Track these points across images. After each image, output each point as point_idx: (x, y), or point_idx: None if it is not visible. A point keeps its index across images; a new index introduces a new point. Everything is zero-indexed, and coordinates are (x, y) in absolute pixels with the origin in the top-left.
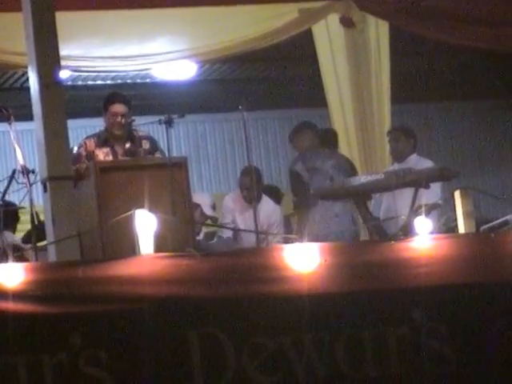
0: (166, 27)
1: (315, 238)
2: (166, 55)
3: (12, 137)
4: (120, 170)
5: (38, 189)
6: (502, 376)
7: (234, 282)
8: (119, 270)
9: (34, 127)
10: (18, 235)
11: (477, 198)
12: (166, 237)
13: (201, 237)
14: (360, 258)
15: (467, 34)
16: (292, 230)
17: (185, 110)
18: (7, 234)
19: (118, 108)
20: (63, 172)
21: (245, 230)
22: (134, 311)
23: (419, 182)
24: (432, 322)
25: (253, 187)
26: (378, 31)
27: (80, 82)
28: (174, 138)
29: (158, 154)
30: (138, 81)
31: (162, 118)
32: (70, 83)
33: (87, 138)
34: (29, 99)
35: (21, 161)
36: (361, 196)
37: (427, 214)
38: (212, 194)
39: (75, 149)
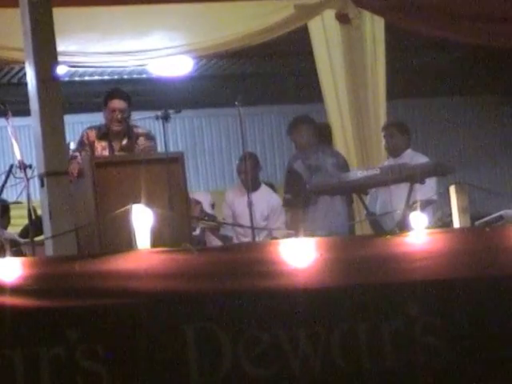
0: (162, 23)
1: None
2: (162, 51)
3: (9, 132)
4: (117, 165)
5: (35, 184)
6: (497, 370)
7: (231, 277)
8: (116, 264)
9: (32, 122)
10: (13, 230)
11: (472, 193)
12: (162, 231)
13: (197, 232)
14: (356, 253)
15: (462, 29)
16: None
17: (181, 105)
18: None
19: (117, 104)
20: (60, 167)
21: (243, 226)
22: (131, 305)
23: (415, 177)
24: (427, 316)
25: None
26: (373, 27)
27: (77, 78)
28: (171, 133)
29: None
30: (135, 76)
31: (159, 113)
32: (67, 79)
33: (89, 128)
34: (26, 95)
35: (18, 156)
36: (357, 191)
37: (423, 209)
38: (208, 190)
39: (72, 145)
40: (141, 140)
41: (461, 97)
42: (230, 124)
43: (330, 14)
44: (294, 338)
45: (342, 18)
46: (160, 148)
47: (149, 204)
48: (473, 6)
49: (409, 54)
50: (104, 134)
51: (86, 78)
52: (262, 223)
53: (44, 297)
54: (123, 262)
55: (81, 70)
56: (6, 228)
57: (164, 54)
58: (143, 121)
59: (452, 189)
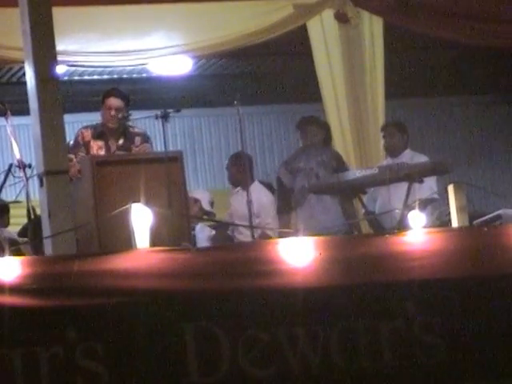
0: (161, 22)
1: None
2: (161, 50)
3: (9, 131)
4: (116, 164)
5: (34, 183)
6: (494, 369)
7: (229, 276)
8: (115, 263)
9: (31, 122)
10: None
11: (470, 193)
12: (161, 231)
13: (196, 230)
14: (354, 252)
15: (460, 29)
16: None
17: (180, 104)
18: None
19: (113, 102)
20: (59, 166)
21: (241, 225)
22: (130, 305)
23: (413, 176)
24: (425, 315)
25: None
26: (372, 27)
27: (76, 77)
28: (170, 133)
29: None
30: (134, 76)
31: (158, 112)
32: (66, 78)
33: (84, 127)
34: (25, 94)
35: (17, 155)
36: (355, 190)
37: (423, 208)
38: (207, 189)
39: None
40: (137, 140)
41: (459, 96)
42: (229, 123)
43: (328, 14)
44: (293, 337)
45: (341, 18)
46: (159, 147)
47: (148, 203)
48: (471, 5)
49: (407, 54)
50: (100, 133)
51: (86, 78)
52: (255, 220)
53: (43, 296)
54: (122, 262)
55: (80, 69)
56: (6, 227)
57: (163, 53)
58: (142, 120)
59: (450, 188)
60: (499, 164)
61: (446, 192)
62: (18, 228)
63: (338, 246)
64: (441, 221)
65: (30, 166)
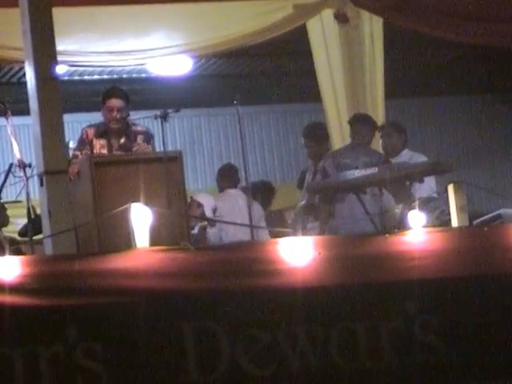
0: (161, 22)
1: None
2: (161, 50)
3: (9, 131)
4: (116, 163)
5: (34, 183)
6: (494, 369)
7: (229, 276)
8: (115, 263)
9: (31, 122)
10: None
11: (470, 192)
12: (161, 230)
13: (196, 231)
14: (354, 252)
15: (460, 29)
16: (286, 224)
17: (180, 104)
18: None
19: (115, 102)
20: (59, 166)
21: (241, 225)
22: (130, 304)
23: (413, 176)
24: (424, 315)
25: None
26: (372, 27)
27: (76, 77)
28: (170, 133)
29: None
30: (134, 75)
31: (158, 112)
32: (66, 78)
33: (88, 126)
34: (26, 94)
35: (17, 155)
36: (355, 190)
37: (424, 206)
38: (207, 188)
39: (71, 143)
40: (139, 138)
41: (459, 96)
42: (229, 123)
43: (328, 14)
44: (293, 337)
45: (341, 18)
46: (159, 147)
47: (147, 203)
48: (471, 5)
49: (407, 54)
50: (103, 131)
51: (86, 77)
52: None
53: (43, 295)
54: (122, 261)
55: (80, 69)
56: (6, 226)
57: (163, 53)
58: (142, 120)
59: (450, 188)
60: (499, 164)
61: (446, 192)
62: (18, 228)
63: (338, 246)
64: (441, 220)
65: (30, 166)
